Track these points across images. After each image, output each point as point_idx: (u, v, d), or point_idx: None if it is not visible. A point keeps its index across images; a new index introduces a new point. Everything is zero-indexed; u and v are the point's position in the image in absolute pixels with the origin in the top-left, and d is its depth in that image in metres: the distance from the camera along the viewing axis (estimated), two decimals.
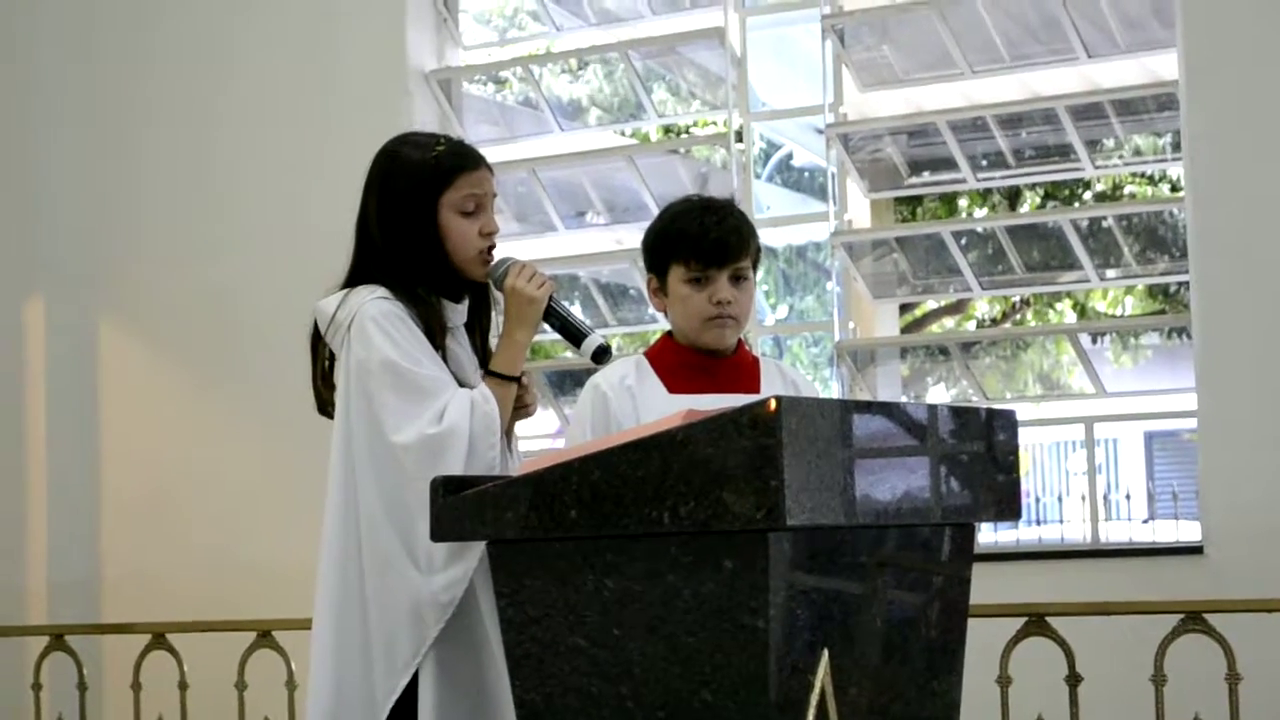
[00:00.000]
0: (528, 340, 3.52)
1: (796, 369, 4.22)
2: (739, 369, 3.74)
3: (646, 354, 3.79)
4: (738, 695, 2.66)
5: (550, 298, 3.52)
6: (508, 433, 3.53)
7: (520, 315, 3.50)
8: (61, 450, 7.35)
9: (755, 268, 3.75)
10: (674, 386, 3.68)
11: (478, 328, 3.63)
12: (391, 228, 3.50)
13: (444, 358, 3.47)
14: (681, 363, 3.72)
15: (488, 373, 3.50)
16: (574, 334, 3.55)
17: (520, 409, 3.56)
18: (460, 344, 3.57)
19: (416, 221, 3.48)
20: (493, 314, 3.65)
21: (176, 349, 7.33)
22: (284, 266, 6.80)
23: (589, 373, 3.77)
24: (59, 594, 7.21)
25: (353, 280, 3.53)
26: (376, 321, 3.40)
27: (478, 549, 3.28)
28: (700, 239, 3.67)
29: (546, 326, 3.57)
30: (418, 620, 3.32)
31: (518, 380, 3.52)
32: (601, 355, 3.53)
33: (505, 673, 3.23)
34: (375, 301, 3.43)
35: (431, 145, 3.55)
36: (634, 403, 3.65)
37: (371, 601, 3.37)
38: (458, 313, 3.57)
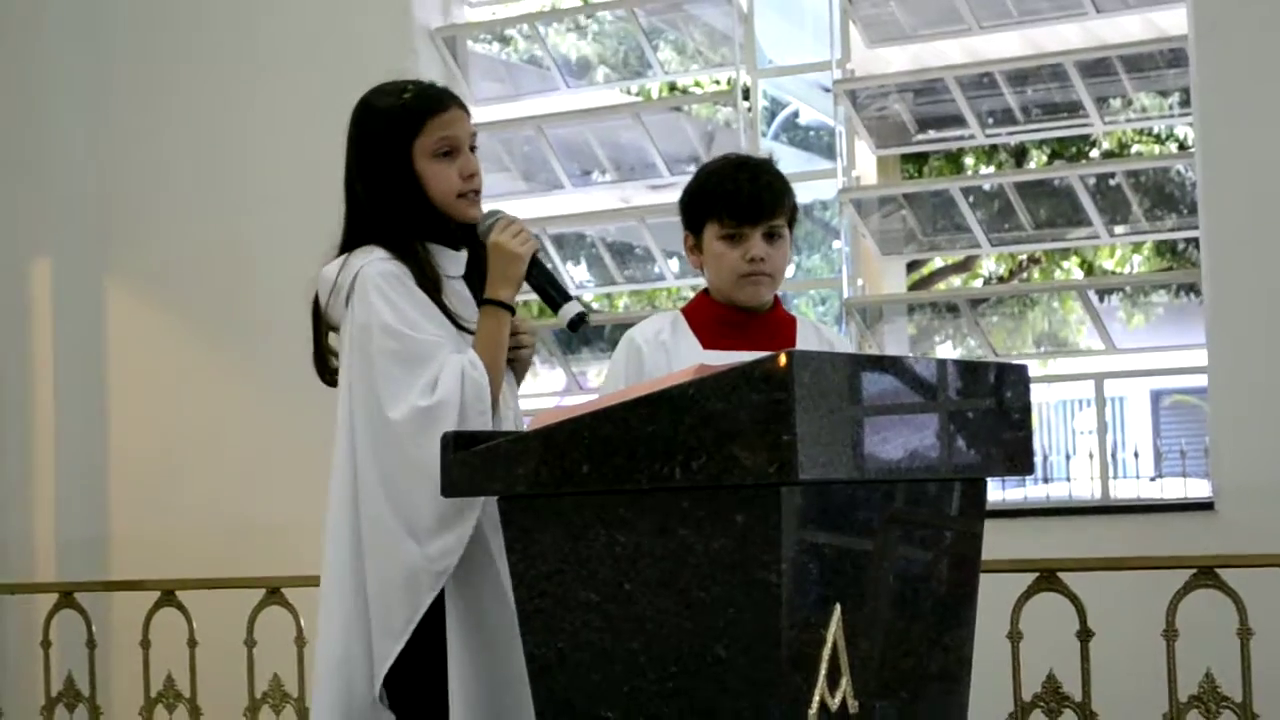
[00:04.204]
0: (511, 297, 3.45)
1: (834, 329, 4.21)
2: (775, 326, 3.74)
3: (684, 310, 3.80)
4: (750, 649, 2.66)
5: (534, 256, 3.45)
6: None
7: (504, 272, 3.43)
8: (70, 408, 7.34)
9: (791, 225, 3.76)
10: (709, 342, 3.69)
11: (477, 278, 3.54)
12: (371, 182, 3.47)
13: (445, 307, 3.42)
14: (717, 319, 3.73)
15: (483, 301, 3.44)
16: (552, 298, 3.46)
17: (517, 358, 3.52)
18: (460, 293, 3.53)
19: (393, 172, 3.45)
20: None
21: (185, 307, 7.32)
22: (290, 226, 6.78)
23: (598, 332, 3.75)
24: (68, 551, 7.22)
25: (349, 240, 3.50)
26: (376, 284, 3.37)
27: (472, 517, 3.29)
28: (734, 196, 3.68)
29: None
30: (412, 587, 3.32)
31: (512, 310, 3.45)
32: (578, 323, 3.43)
33: None
34: (376, 263, 3.40)
35: (399, 92, 3.50)
36: (668, 357, 3.66)
37: (368, 568, 3.37)
38: (457, 261, 3.53)
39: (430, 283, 3.43)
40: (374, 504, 3.35)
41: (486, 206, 3.55)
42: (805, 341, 3.74)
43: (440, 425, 3.26)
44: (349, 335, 3.41)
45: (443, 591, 3.33)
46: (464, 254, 3.54)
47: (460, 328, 3.42)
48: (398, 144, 3.45)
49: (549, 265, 3.54)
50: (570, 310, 3.44)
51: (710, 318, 3.74)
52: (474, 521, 3.29)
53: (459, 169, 3.47)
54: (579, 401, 3.29)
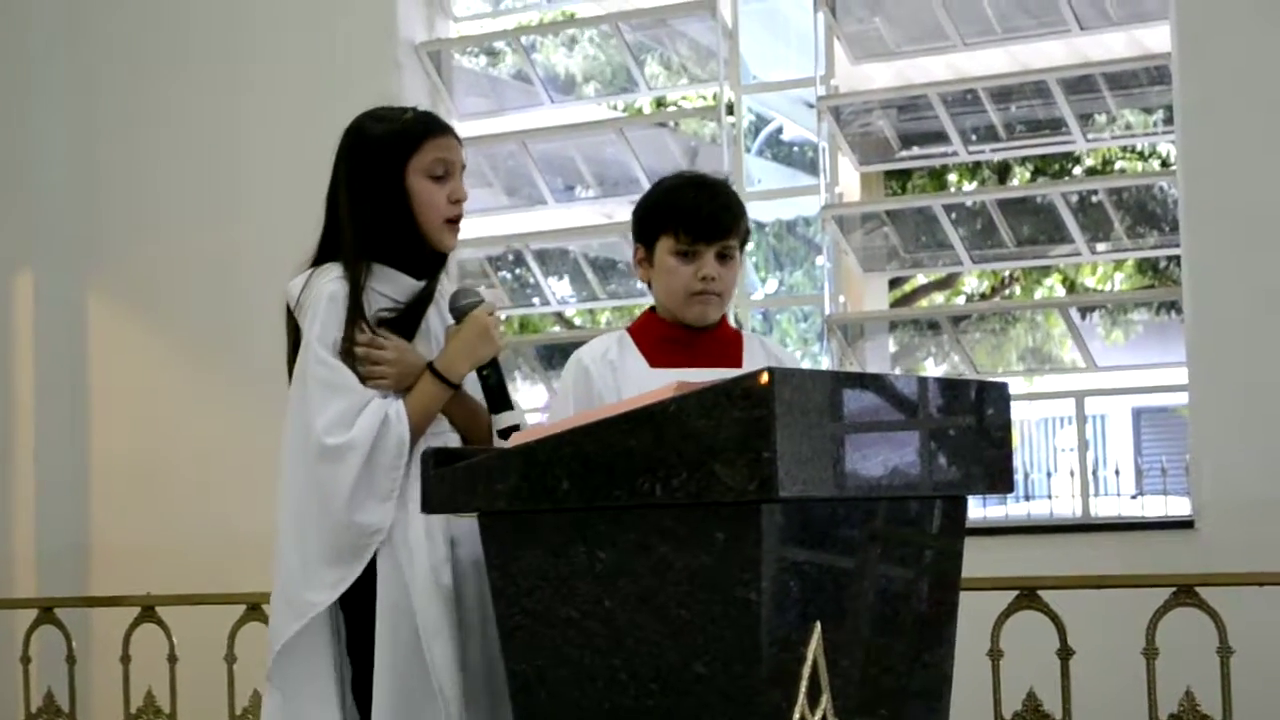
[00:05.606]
0: (462, 377, 3.45)
1: (781, 345, 4.20)
2: (722, 343, 3.73)
3: (630, 329, 3.79)
4: (730, 667, 2.66)
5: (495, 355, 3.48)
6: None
7: (473, 348, 3.44)
8: (50, 423, 7.32)
9: (742, 248, 3.75)
10: (655, 360, 3.67)
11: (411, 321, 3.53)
12: (359, 198, 3.46)
13: (353, 338, 3.39)
14: (663, 337, 3.71)
15: (434, 368, 3.44)
16: (498, 400, 3.46)
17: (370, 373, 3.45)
18: (443, 316, 3.53)
19: (384, 188, 3.45)
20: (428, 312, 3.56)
21: (167, 321, 7.31)
22: (273, 239, 6.71)
23: (575, 348, 3.76)
24: (48, 566, 7.19)
25: (321, 255, 3.51)
26: (325, 306, 3.39)
27: (359, 565, 3.32)
28: (693, 213, 3.67)
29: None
30: (285, 609, 3.38)
31: (456, 389, 3.45)
32: (506, 435, 3.40)
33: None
34: (330, 283, 3.42)
35: (399, 115, 3.53)
36: (615, 377, 3.65)
37: (274, 569, 3.43)
38: (408, 289, 3.50)
39: (355, 301, 3.41)
40: (282, 515, 3.42)
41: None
42: (752, 357, 3.72)
43: (344, 464, 3.31)
44: (300, 352, 3.44)
45: (374, 613, 3.33)
46: (420, 284, 3.51)
47: (351, 364, 3.39)
48: (393, 159, 3.46)
49: (502, 370, 3.53)
50: (511, 418, 3.44)
51: (657, 336, 3.73)
52: (360, 569, 3.31)
53: (449, 193, 3.49)
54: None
